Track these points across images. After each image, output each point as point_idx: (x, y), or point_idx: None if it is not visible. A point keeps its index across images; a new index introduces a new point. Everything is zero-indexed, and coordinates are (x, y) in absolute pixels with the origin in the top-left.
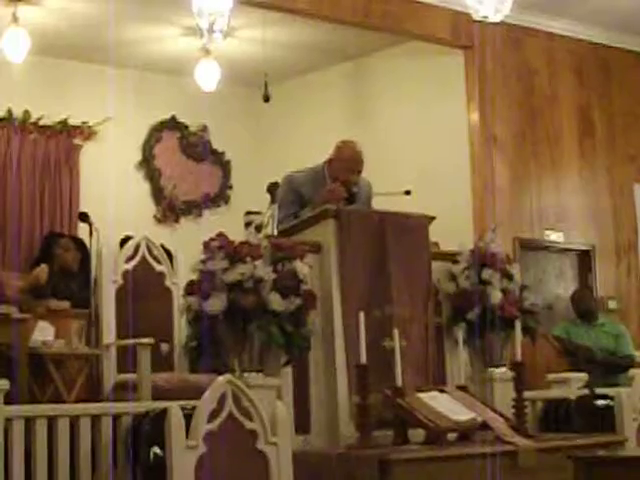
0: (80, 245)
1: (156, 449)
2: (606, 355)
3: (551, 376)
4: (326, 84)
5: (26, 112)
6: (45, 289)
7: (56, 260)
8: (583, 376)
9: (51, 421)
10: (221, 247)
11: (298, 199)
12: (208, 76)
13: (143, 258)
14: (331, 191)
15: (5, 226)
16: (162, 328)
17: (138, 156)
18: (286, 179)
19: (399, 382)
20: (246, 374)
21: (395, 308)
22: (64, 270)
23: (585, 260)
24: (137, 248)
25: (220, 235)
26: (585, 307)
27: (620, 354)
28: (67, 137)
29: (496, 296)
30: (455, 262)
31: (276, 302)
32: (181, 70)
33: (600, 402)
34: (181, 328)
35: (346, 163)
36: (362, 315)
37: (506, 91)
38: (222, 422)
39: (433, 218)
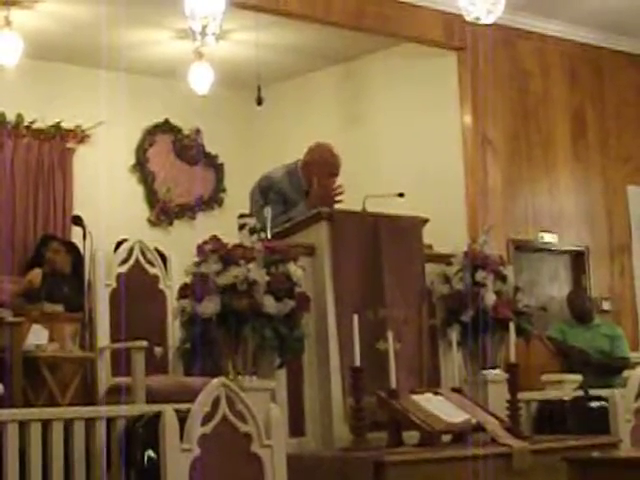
0: (71, 248)
1: (150, 452)
2: (601, 357)
3: (545, 377)
4: (319, 86)
5: (19, 116)
6: (39, 293)
7: (47, 263)
8: (577, 377)
9: (45, 424)
10: (214, 250)
11: (281, 198)
12: (201, 79)
13: (137, 261)
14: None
15: None
16: (156, 331)
17: (132, 159)
18: (265, 179)
19: (393, 384)
20: (240, 377)
21: (389, 310)
22: (56, 273)
23: (579, 261)
24: (131, 251)
25: (213, 238)
26: (580, 308)
27: (615, 356)
28: (60, 141)
29: (490, 298)
30: (449, 264)
31: (270, 305)
32: (174, 73)
33: (594, 403)
34: (175, 331)
35: (327, 167)
36: (356, 317)
37: (499, 93)
38: (216, 425)
39: (427, 220)
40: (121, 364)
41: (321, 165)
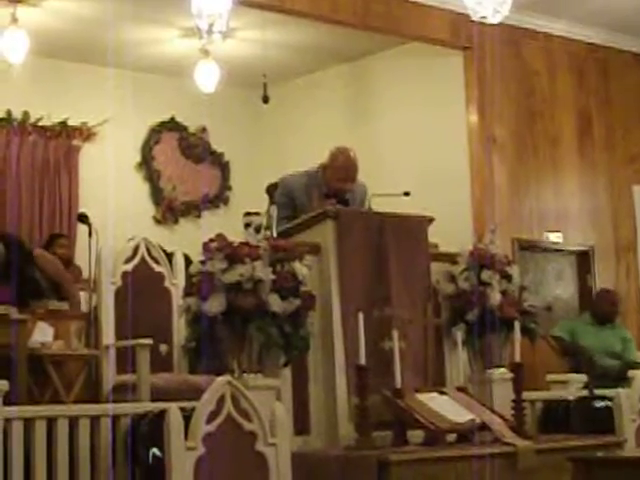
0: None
1: (155, 450)
2: (607, 360)
3: (550, 377)
4: (325, 85)
5: (25, 113)
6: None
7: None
8: (583, 377)
9: (50, 422)
10: (220, 248)
11: (290, 203)
12: (207, 77)
13: (142, 259)
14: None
15: (4, 227)
16: (161, 329)
17: (137, 157)
18: (281, 182)
19: (398, 383)
20: (245, 375)
21: (394, 309)
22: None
23: (584, 261)
24: (136, 249)
25: (219, 236)
26: (607, 309)
27: (626, 359)
28: (66, 138)
29: (495, 297)
30: (454, 263)
31: (275, 303)
32: (180, 71)
33: (599, 403)
34: (180, 329)
35: (340, 172)
36: (361, 316)
37: (505, 92)
38: (221, 423)
39: (432, 219)
40: (126, 362)
41: (335, 170)
